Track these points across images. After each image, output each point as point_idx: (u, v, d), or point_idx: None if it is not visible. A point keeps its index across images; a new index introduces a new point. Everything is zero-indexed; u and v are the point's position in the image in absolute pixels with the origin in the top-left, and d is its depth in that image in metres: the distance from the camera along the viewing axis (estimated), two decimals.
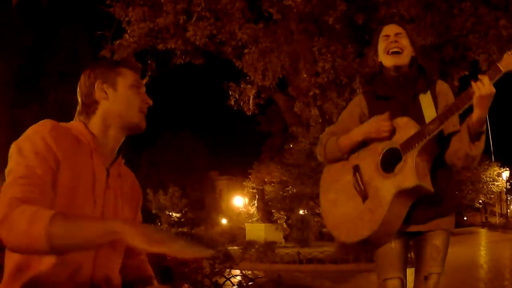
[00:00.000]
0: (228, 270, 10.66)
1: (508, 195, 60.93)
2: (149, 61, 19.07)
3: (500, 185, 54.79)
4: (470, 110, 2.90)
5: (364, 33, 16.77)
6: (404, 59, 3.22)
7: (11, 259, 1.94)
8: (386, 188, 3.02)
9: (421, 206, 3.07)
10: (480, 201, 57.01)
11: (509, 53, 2.80)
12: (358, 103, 3.40)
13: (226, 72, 19.50)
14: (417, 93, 3.19)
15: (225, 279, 9.37)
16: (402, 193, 2.98)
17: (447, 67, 17.61)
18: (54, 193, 1.95)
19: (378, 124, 3.10)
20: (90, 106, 2.23)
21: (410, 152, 2.97)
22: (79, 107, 2.28)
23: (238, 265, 12.80)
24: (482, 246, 24.52)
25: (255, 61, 16.29)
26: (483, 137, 2.96)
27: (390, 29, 3.35)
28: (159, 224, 47.51)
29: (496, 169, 53.38)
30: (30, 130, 2.02)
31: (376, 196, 3.06)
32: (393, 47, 3.24)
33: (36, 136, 1.98)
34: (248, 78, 17.27)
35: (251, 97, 17.89)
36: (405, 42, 3.26)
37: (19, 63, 40.34)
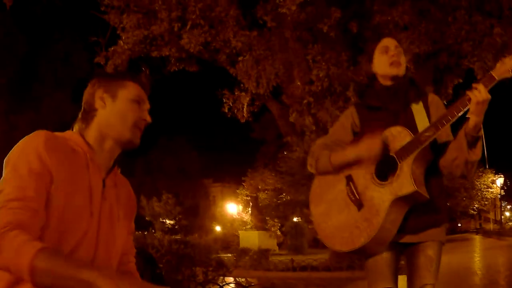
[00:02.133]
0: (221, 277, 10.63)
1: (502, 202, 61.21)
2: (143, 68, 19.06)
3: (494, 192, 55.11)
4: (462, 119, 3.00)
5: (358, 41, 16.81)
6: (401, 70, 3.30)
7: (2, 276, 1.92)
8: (383, 196, 3.04)
9: (413, 215, 3.11)
10: (475, 207, 57.25)
11: (502, 60, 2.91)
12: (350, 114, 3.44)
13: (220, 79, 19.53)
14: (409, 102, 3.27)
15: (218, 287, 9.34)
16: (399, 201, 3.01)
17: (441, 75, 17.66)
18: (48, 208, 1.94)
19: (369, 145, 3.11)
20: (89, 113, 2.24)
21: (406, 159, 3.02)
22: (80, 114, 2.28)
23: (231, 273, 12.77)
24: (476, 253, 24.57)
25: (249, 68, 16.30)
26: (480, 143, 3.03)
27: (390, 42, 3.40)
28: (153, 231, 47.37)
29: (490, 176, 53.66)
30: (24, 143, 2.00)
31: (372, 204, 3.08)
32: (394, 60, 3.30)
33: (30, 151, 1.97)
34: (242, 85, 17.27)
35: (245, 104, 17.88)
36: (403, 56, 3.35)
37: (14, 69, 40.25)
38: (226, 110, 18.11)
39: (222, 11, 16.23)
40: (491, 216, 69.59)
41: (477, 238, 46.14)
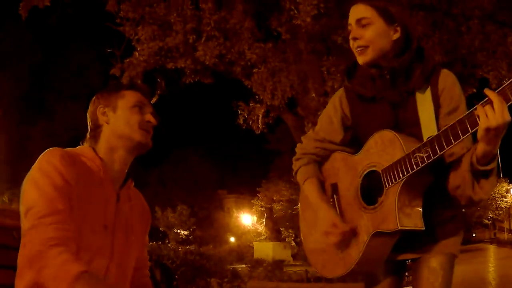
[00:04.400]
0: None
1: None
2: (158, 80, 19.15)
3: (508, 201, 54.79)
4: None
5: None
6: (372, 55, 2.50)
7: (23, 279, 1.93)
8: (363, 224, 2.49)
9: (414, 235, 2.46)
10: (489, 217, 56.88)
11: None
12: (339, 103, 2.76)
13: (235, 91, 19.51)
14: (412, 89, 2.49)
15: None
16: (381, 234, 2.42)
17: None
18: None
19: (328, 227, 2.56)
20: (96, 130, 2.29)
21: (392, 186, 2.37)
22: (88, 133, 2.34)
23: (246, 284, 12.79)
24: (490, 263, 24.41)
25: (264, 80, 16.31)
26: (493, 175, 2.27)
27: (351, 16, 2.63)
28: (167, 242, 47.39)
29: (504, 185, 53.38)
30: (41, 162, 2.04)
31: (352, 229, 2.54)
32: (355, 46, 2.58)
33: (50, 169, 2.00)
34: (257, 97, 17.28)
35: (260, 116, 17.88)
36: (371, 31, 2.50)
37: (28, 80, 40.57)
38: (241, 122, 18.13)
39: (237, 23, 16.28)
40: (505, 225, 68.99)
41: (492, 248, 45.76)
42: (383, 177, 2.39)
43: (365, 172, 2.51)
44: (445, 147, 2.18)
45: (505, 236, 63.41)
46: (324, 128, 2.80)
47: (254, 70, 16.65)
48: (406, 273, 2.81)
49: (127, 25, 17.29)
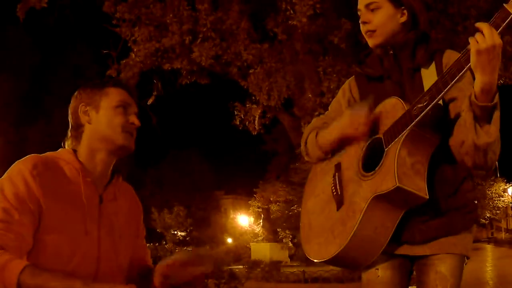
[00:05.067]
0: None
1: None
2: (155, 81, 19.16)
3: (506, 201, 54.78)
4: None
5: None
6: (382, 38, 2.51)
7: None
8: (363, 192, 2.31)
9: (417, 220, 2.35)
10: (486, 217, 56.92)
11: None
12: (348, 87, 2.75)
13: (232, 92, 19.51)
14: (417, 67, 2.47)
15: None
16: (381, 200, 2.25)
17: None
18: (43, 234, 1.96)
19: (352, 117, 2.43)
20: (77, 130, 2.23)
21: (393, 143, 2.26)
22: (69, 131, 2.27)
23: (243, 285, 12.79)
24: (488, 262, 24.41)
25: (260, 81, 16.31)
26: (497, 116, 2.14)
27: (360, 1, 2.60)
28: (164, 243, 47.43)
29: (501, 185, 53.45)
30: (13, 169, 2.02)
31: (351, 203, 2.36)
32: (365, 30, 2.57)
33: (17, 177, 1.98)
34: (253, 98, 17.28)
35: (257, 117, 17.89)
36: (379, 15, 2.51)
37: (26, 81, 40.51)
38: (238, 123, 18.13)
39: (233, 24, 16.29)
40: (503, 225, 69.15)
41: (489, 248, 45.84)
42: (384, 140, 2.31)
43: (368, 143, 2.42)
44: (443, 89, 2.12)
45: (502, 235, 63.53)
46: (332, 109, 2.80)
47: (251, 71, 16.66)
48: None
49: (124, 26, 17.29)
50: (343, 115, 2.49)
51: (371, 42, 2.54)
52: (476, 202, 2.50)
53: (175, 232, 54.46)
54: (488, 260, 26.23)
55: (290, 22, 15.03)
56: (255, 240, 47.33)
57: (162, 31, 16.88)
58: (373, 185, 2.26)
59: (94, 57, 38.35)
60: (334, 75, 15.60)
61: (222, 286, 10.57)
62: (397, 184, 2.14)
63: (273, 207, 44.99)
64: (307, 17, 14.36)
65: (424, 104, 2.16)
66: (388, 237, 2.30)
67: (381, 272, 2.45)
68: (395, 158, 2.19)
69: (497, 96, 2.11)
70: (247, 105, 17.87)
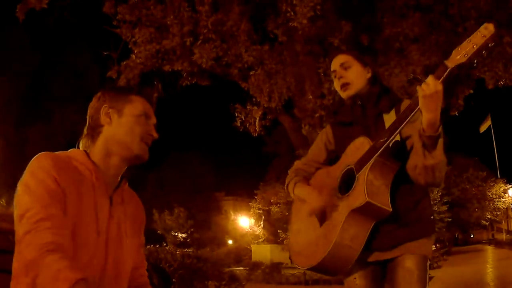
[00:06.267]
0: None
1: None
2: (155, 82, 19.11)
3: (506, 202, 54.67)
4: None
5: (369, 54, 16.82)
6: (355, 89, 3.16)
7: (19, 285, 1.92)
8: (340, 209, 2.89)
9: (385, 230, 2.93)
10: (487, 218, 56.81)
11: (458, 48, 2.65)
12: (325, 133, 3.40)
13: (232, 93, 19.52)
14: (380, 112, 3.07)
15: None
16: (355, 214, 2.82)
17: (452, 86, 17.62)
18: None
19: (310, 195, 3.12)
20: (95, 129, 2.23)
21: (362, 170, 2.84)
22: (85, 129, 2.27)
23: (244, 287, 12.78)
24: (489, 264, 24.37)
25: (261, 82, 16.31)
26: (440, 143, 2.72)
27: (335, 62, 3.28)
28: (165, 244, 47.37)
29: (502, 186, 53.37)
30: (33, 167, 2.01)
31: (331, 219, 2.94)
32: (340, 84, 3.20)
33: (42, 173, 1.97)
34: (254, 99, 17.27)
35: (257, 118, 17.86)
36: (352, 72, 3.18)
37: (26, 82, 40.57)
38: (238, 124, 18.10)
39: (233, 26, 16.28)
40: (503, 226, 69.01)
41: (490, 249, 45.76)
42: (355, 169, 2.88)
43: (343, 171, 3.01)
44: (399, 126, 2.73)
45: (503, 237, 63.39)
46: (311, 152, 3.43)
47: (251, 73, 16.66)
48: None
49: (124, 28, 17.28)
50: (309, 192, 3.14)
51: (345, 94, 3.20)
52: (432, 217, 3.09)
53: (176, 234, 54.48)
54: (489, 262, 26.21)
55: (290, 23, 15.03)
56: (256, 241, 47.28)
57: (163, 33, 16.88)
58: (349, 203, 2.84)
59: (94, 58, 38.40)
60: None
61: None
62: (367, 199, 2.74)
63: (274, 209, 44.93)
64: (308, 18, 14.35)
65: (385, 139, 2.77)
66: (362, 244, 2.85)
67: (359, 281, 3.02)
68: (365, 181, 2.78)
69: (440, 128, 2.66)
70: (247, 107, 17.85)
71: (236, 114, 18.10)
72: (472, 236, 68.13)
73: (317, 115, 16.02)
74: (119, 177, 2.27)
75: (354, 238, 2.84)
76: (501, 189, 53.38)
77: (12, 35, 37.47)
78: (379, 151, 2.78)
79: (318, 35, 15.91)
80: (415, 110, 2.67)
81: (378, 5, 16.23)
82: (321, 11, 14.48)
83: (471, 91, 17.70)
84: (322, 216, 3.01)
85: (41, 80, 42.34)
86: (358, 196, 2.78)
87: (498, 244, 51.37)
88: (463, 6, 15.14)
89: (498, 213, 56.43)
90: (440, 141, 2.70)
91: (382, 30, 16.09)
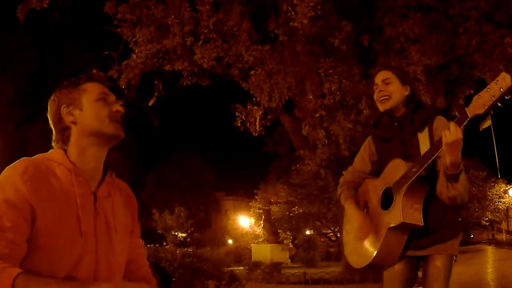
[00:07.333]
0: None
1: None
2: (156, 82, 19.16)
3: (506, 202, 54.53)
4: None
5: (369, 54, 16.83)
6: (392, 103, 3.54)
7: None
8: (382, 224, 3.45)
9: (422, 234, 3.41)
10: (487, 218, 56.67)
11: (477, 96, 2.98)
12: (368, 145, 3.84)
13: (233, 93, 19.54)
14: (414, 131, 3.50)
15: None
16: (393, 229, 3.38)
17: (453, 86, 17.62)
18: (37, 238, 1.94)
19: (354, 217, 3.69)
20: (64, 133, 2.21)
21: (398, 193, 3.35)
22: (53, 136, 2.24)
23: (244, 286, 12.75)
24: (489, 264, 24.31)
25: (262, 82, 16.30)
26: (462, 178, 3.20)
27: (378, 77, 3.64)
28: (165, 244, 47.33)
29: (502, 186, 53.17)
30: (3, 175, 2.00)
31: (376, 230, 3.51)
32: (380, 96, 3.58)
33: (7, 183, 1.97)
34: (254, 99, 17.25)
35: (258, 118, 17.84)
36: (392, 87, 3.56)
37: (26, 82, 40.50)
38: (239, 124, 18.07)
39: (234, 25, 16.28)
40: (503, 226, 68.86)
41: (490, 249, 45.63)
42: (393, 190, 3.39)
43: (383, 189, 3.52)
44: (426, 161, 3.20)
45: (503, 237, 63.29)
46: (357, 163, 3.90)
47: (252, 72, 16.65)
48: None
49: (125, 27, 17.28)
50: (356, 215, 3.67)
51: (383, 107, 3.57)
52: (460, 219, 3.71)
53: (176, 233, 54.42)
54: (489, 262, 26.15)
55: (291, 23, 15.05)
56: (256, 241, 47.23)
57: (163, 33, 16.87)
58: (388, 220, 3.39)
59: (95, 58, 38.30)
60: (335, 77, 15.58)
61: (223, 287, 10.57)
62: (402, 220, 3.29)
63: (274, 208, 44.97)
64: (308, 18, 14.37)
65: (417, 169, 3.24)
66: (400, 249, 3.46)
67: (397, 267, 3.55)
68: (401, 203, 3.31)
69: (461, 165, 3.15)
70: (248, 107, 17.83)
71: (237, 114, 18.08)
72: (472, 236, 67.99)
73: (317, 115, 16.02)
74: (102, 168, 2.25)
75: (394, 245, 3.44)
76: (502, 189, 53.21)
77: (13, 36, 37.45)
78: (411, 180, 3.26)
79: (318, 35, 15.92)
80: (438, 151, 3.14)
81: (378, 5, 16.23)
82: (322, 11, 14.50)
83: (472, 91, 17.69)
84: (369, 224, 3.56)
85: (42, 80, 42.25)
86: (395, 216, 3.33)
87: (498, 244, 51.27)
88: (464, 6, 15.14)
89: (498, 214, 56.32)
90: (462, 176, 3.19)
91: (383, 30, 16.11)
